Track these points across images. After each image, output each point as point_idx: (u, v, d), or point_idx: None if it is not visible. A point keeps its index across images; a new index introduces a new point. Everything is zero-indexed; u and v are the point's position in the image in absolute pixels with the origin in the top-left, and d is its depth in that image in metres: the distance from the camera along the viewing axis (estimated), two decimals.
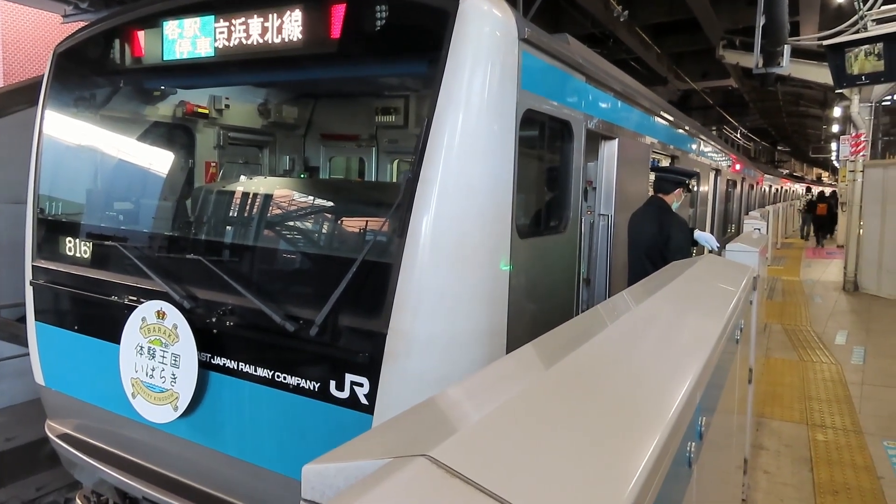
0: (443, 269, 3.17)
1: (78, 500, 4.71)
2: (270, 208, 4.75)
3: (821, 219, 22.79)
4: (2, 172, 9.88)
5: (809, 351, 8.67)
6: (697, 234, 5.93)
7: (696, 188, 9.08)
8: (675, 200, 5.73)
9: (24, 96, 9.74)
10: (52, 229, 4.74)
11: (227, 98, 5.84)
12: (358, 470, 1.00)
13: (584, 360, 1.74)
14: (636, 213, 5.77)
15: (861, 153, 13.93)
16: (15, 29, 18.32)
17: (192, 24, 4.01)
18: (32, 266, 4.74)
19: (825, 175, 68.13)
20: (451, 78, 3.16)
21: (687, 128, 9.09)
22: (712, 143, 11.64)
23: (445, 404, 1.39)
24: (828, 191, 28.88)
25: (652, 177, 6.37)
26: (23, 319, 5.18)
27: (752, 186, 19.32)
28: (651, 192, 6.07)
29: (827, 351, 8.66)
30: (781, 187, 35.13)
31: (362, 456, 1.04)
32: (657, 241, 5.39)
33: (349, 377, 3.23)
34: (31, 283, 4.72)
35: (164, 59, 4.17)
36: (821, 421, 6.12)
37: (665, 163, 8.22)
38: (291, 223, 4.74)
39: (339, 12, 3.47)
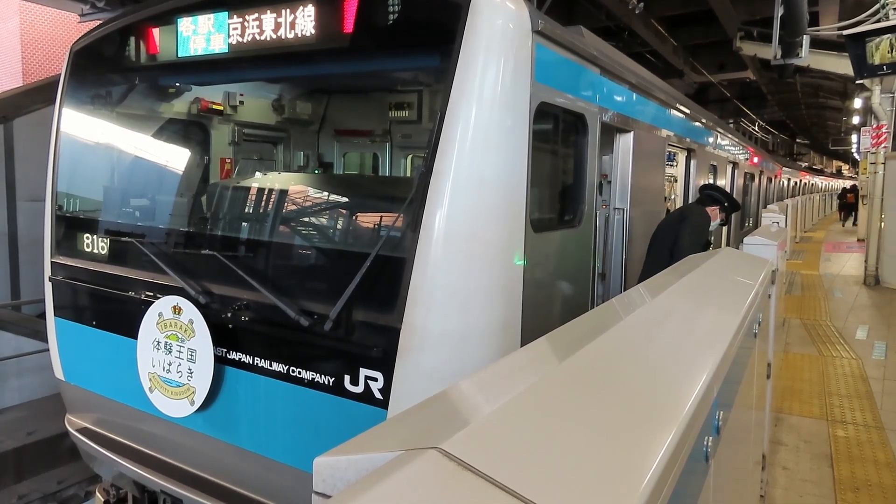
0: (456, 263, 3.15)
1: (98, 494, 4.76)
2: (285, 204, 4.77)
3: (849, 204, 32.70)
4: (21, 170, 10.03)
5: (829, 346, 8.54)
6: None
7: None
8: (710, 218, 5.71)
9: (42, 95, 9.88)
10: (70, 226, 4.80)
11: (241, 94, 5.87)
12: (369, 462, 0.99)
13: (599, 354, 1.72)
14: (663, 219, 5.82)
15: (882, 145, 13.68)
16: (34, 29, 18.53)
17: (205, 21, 4.03)
18: (51, 262, 4.80)
19: (845, 168, 67.17)
20: (465, 71, 3.14)
21: (704, 120, 8.99)
22: (729, 135, 11.51)
23: (457, 397, 1.38)
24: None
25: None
26: (43, 315, 5.25)
27: (770, 180, 19.10)
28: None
29: (847, 346, 8.53)
30: (800, 180, 34.92)
31: (373, 448, 1.03)
32: (675, 228, 5.39)
33: (363, 372, 3.23)
34: (49, 279, 4.79)
35: (179, 55, 4.20)
36: (841, 417, 6.03)
37: (681, 156, 8.17)
38: (305, 219, 4.75)
39: (351, 7, 3.47)
